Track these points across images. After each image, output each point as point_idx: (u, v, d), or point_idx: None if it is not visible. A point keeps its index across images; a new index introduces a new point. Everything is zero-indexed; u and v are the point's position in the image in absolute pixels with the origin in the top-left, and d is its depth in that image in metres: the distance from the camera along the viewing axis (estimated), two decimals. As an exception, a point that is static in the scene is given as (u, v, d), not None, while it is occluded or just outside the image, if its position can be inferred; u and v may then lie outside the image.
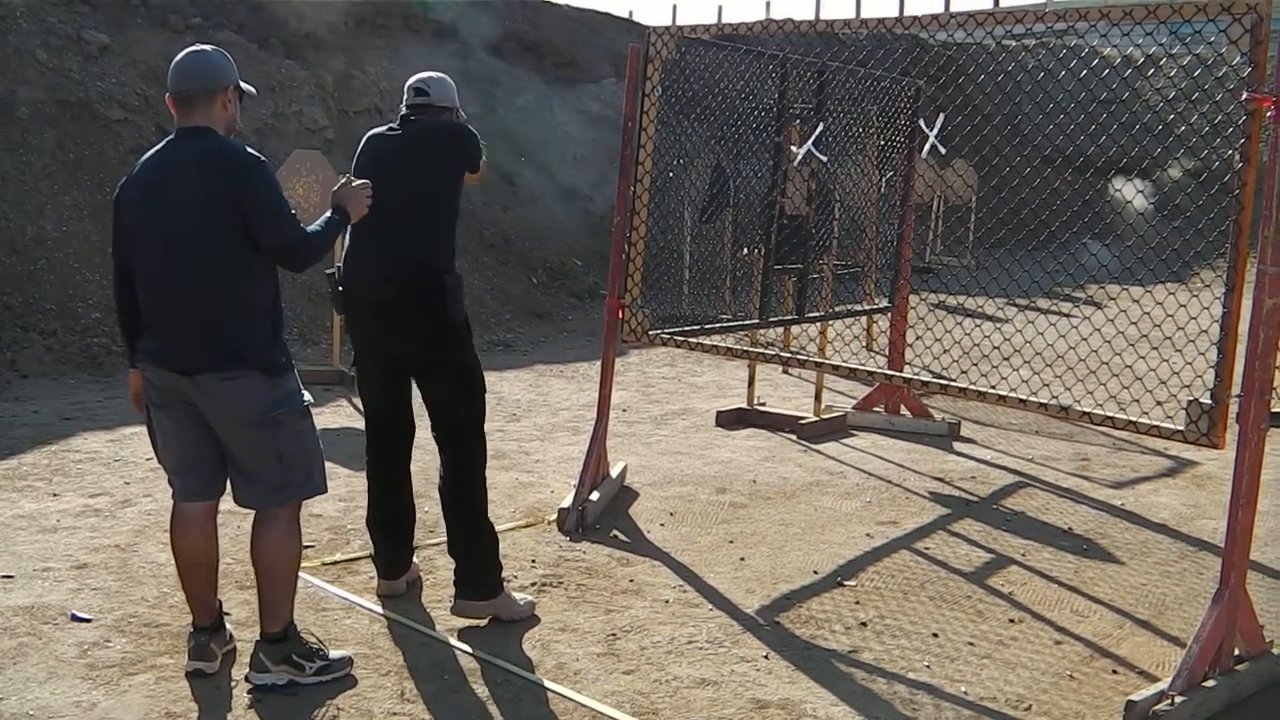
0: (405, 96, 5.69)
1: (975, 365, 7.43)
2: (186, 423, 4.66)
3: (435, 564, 6.14)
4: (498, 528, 5.78)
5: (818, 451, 9.03)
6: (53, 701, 4.53)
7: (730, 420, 9.94)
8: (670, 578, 6.17)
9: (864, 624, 5.64)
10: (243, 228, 4.44)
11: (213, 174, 4.45)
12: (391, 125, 5.65)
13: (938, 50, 17.01)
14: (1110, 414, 5.59)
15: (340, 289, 5.52)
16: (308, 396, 4.75)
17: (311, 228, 4.62)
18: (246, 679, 4.72)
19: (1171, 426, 5.30)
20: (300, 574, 4.96)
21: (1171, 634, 5.64)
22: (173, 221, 4.45)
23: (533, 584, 5.97)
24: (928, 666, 5.16)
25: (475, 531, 5.53)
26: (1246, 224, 4.96)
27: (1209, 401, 5.09)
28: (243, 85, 4.72)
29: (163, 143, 4.63)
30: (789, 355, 8.34)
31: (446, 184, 5.52)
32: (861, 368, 7.06)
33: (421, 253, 5.39)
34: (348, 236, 5.48)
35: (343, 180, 4.90)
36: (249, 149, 4.59)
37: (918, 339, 8.53)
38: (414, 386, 5.68)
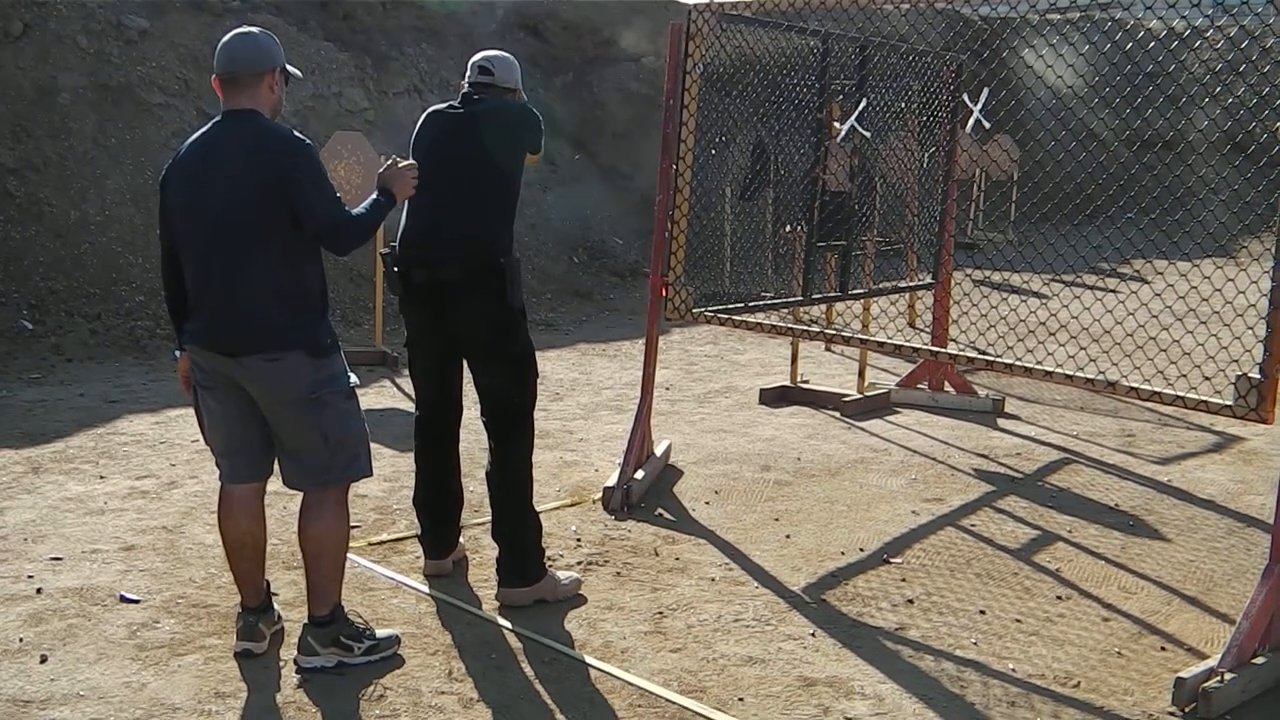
0: (468, 74, 5.58)
1: (1021, 341, 7.40)
2: (233, 405, 4.67)
3: (481, 543, 6.15)
4: (543, 507, 5.79)
5: (861, 429, 9.01)
6: (103, 682, 4.57)
7: (773, 398, 9.92)
8: (716, 556, 6.17)
9: (910, 601, 5.62)
10: (287, 210, 4.43)
11: (258, 157, 4.44)
12: (453, 104, 5.53)
13: (980, 24, 16.89)
14: (1157, 389, 5.54)
15: (395, 270, 5.45)
16: (354, 378, 4.73)
17: (356, 210, 4.59)
18: (294, 662, 4.74)
19: (1219, 401, 5.24)
20: (347, 554, 4.98)
21: (1220, 611, 5.60)
22: (218, 204, 4.45)
23: (578, 563, 5.98)
24: (975, 644, 5.15)
25: (519, 519, 5.49)
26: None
27: (1257, 376, 5.04)
28: (289, 68, 4.71)
29: (209, 125, 4.62)
30: (832, 332, 8.29)
31: (509, 165, 5.45)
32: (905, 344, 7.01)
33: (481, 234, 5.33)
34: (404, 216, 5.43)
35: (388, 162, 4.88)
36: (296, 132, 4.58)
37: (962, 315, 8.47)
38: (465, 369, 5.65)
